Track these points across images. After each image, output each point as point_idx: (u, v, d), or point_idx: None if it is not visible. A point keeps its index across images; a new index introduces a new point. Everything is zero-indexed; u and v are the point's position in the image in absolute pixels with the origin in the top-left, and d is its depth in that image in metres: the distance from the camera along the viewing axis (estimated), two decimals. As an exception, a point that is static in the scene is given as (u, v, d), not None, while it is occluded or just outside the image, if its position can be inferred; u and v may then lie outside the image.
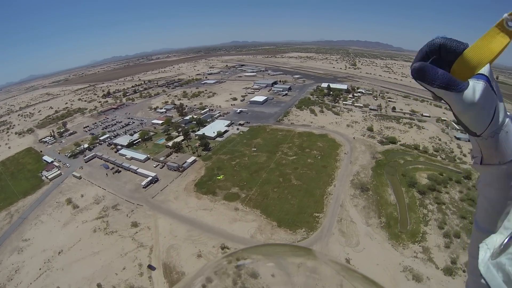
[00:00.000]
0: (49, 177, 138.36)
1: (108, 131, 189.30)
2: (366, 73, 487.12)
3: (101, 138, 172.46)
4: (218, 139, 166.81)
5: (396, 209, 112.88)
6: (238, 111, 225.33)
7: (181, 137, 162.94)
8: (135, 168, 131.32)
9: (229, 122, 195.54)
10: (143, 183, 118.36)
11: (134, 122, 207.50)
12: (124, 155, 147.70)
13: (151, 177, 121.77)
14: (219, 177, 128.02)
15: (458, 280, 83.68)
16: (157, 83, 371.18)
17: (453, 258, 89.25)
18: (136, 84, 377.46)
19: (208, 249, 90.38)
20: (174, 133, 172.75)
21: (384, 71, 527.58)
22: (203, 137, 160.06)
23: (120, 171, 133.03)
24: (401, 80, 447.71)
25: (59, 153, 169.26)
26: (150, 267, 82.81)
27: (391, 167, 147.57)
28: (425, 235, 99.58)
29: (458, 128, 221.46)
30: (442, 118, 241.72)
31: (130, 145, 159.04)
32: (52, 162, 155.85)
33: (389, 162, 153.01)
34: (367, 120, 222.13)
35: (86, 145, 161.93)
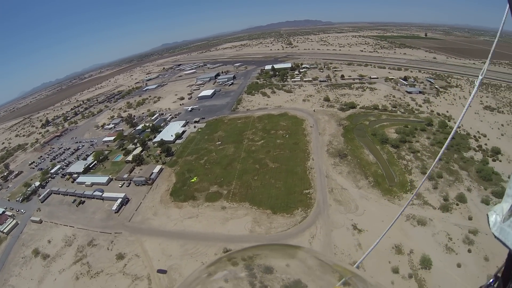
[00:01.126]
0: (4, 230, 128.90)
1: (58, 162, 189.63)
2: (304, 49, 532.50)
3: (52, 171, 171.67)
4: (178, 141, 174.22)
5: (378, 166, 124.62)
6: (189, 109, 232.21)
7: (139, 148, 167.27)
8: (99, 193, 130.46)
9: (184, 122, 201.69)
10: (114, 207, 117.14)
11: (83, 145, 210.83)
12: (83, 183, 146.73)
13: (120, 199, 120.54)
14: (192, 180, 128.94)
15: (455, 213, 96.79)
16: (97, 100, 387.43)
17: (444, 196, 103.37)
18: (75, 106, 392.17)
19: (210, 259, 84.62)
20: (131, 146, 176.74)
21: (321, 44, 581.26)
22: (162, 143, 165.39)
23: (84, 201, 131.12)
24: (340, 50, 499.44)
25: (8, 200, 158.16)
26: (161, 271, 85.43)
27: (359, 130, 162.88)
28: (413, 183, 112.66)
29: (406, 83, 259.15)
30: (389, 77, 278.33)
31: (86, 171, 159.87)
32: (3, 212, 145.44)
33: (355, 125, 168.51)
34: (320, 92, 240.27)
35: (37, 183, 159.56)
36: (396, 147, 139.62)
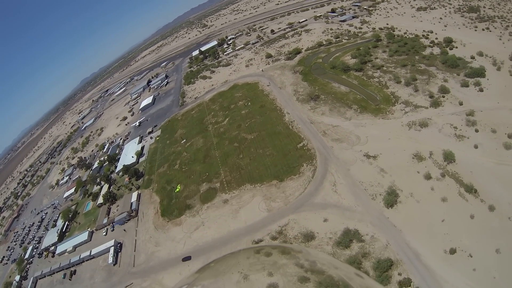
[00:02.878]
0: None
1: (28, 243, 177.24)
2: (221, 24, 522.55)
3: (27, 256, 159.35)
4: (141, 159, 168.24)
5: (355, 93, 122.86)
6: (137, 124, 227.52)
7: (106, 186, 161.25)
8: (87, 253, 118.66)
9: (138, 138, 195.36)
10: (110, 260, 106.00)
11: (46, 213, 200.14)
12: (64, 252, 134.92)
13: (112, 247, 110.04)
14: (177, 190, 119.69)
15: (446, 104, 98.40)
16: (40, 161, 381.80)
17: (429, 94, 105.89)
18: (20, 179, 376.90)
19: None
20: (96, 188, 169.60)
21: (235, 14, 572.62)
22: (126, 168, 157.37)
23: (75, 270, 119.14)
24: (256, 11, 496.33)
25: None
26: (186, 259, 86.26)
27: (317, 69, 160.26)
28: (395, 94, 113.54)
29: (336, 14, 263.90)
30: (317, 15, 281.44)
31: (62, 237, 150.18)
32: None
33: (311, 67, 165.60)
34: (258, 53, 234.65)
35: (17, 277, 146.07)
36: (360, 70, 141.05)
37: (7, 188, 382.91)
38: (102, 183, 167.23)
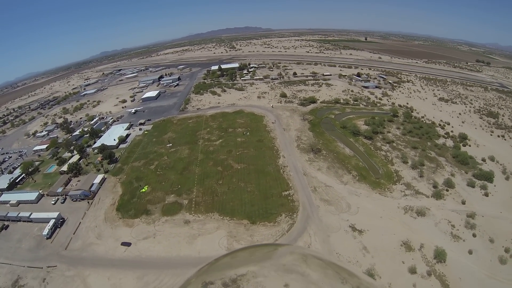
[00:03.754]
0: None
1: None
2: (249, 51, 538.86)
3: None
4: (122, 145, 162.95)
5: (358, 159, 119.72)
6: (133, 111, 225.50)
7: (77, 156, 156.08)
8: (27, 214, 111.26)
9: (128, 124, 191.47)
10: (45, 231, 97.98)
11: (10, 157, 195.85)
12: (7, 202, 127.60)
13: (53, 220, 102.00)
14: (143, 190, 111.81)
15: (448, 199, 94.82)
16: (29, 107, 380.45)
17: (433, 183, 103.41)
18: (3, 115, 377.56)
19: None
20: (66, 155, 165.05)
21: (265, 47, 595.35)
22: (103, 148, 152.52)
23: (8, 226, 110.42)
24: (285, 51, 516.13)
25: None
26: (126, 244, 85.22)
27: (326, 124, 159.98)
28: (398, 173, 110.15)
29: (361, 79, 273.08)
30: (343, 74, 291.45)
31: (12, 186, 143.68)
32: None
33: (321, 119, 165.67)
34: (274, 89, 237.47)
35: None
36: (369, 138, 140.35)
37: None
38: (75, 152, 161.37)
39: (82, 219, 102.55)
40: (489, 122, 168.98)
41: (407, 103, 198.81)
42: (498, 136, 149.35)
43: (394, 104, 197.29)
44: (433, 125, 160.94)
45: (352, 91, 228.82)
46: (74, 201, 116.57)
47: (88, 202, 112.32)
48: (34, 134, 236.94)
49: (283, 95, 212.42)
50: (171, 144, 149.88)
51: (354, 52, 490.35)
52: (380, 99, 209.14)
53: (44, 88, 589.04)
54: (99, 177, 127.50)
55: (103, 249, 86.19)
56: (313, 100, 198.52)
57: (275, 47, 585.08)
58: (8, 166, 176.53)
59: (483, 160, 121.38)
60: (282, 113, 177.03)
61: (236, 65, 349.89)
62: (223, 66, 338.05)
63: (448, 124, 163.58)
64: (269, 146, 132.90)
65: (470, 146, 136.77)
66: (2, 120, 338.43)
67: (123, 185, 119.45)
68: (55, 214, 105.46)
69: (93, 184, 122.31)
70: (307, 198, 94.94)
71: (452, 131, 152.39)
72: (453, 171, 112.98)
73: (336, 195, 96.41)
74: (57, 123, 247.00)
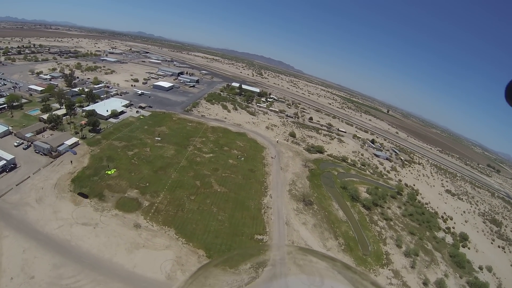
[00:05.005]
0: None
1: None
2: (274, 83, 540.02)
3: None
4: (112, 120, 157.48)
5: (349, 227, 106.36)
6: (139, 92, 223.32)
7: (63, 111, 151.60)
8: None
9: (127, 102, 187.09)
10: None
11: (5, 84, 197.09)
12: None
13: (4, 161, 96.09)
14: (109, 172, 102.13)
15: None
16: (48, 50, 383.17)
17: (424, 280, 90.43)
18: (23, 46, 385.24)
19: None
20: (55, 105, 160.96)
21: (291, 85, 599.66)
22: (91, 113, 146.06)
23: None
24: (309, 96, 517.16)
25: None
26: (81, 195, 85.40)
27: (327, 178, 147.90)
28: (389, 256, 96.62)
29: (374, 146, 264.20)
30: (357, 136, 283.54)
31: None
32: None
33: (323, 172, 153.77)
34: (286, 126, 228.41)
35: None
36: (368, 208, 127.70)
37: (9, 43, 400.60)
38: (64, 106, 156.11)
39: (33, 174, 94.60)
40: (491, 229, 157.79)
41: (414, 185, 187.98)
42: (499, 247, 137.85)
43: (401, 181, 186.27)
44: (436, 215, 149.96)
45: (362, 154, 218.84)
46: (36, 152, 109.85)
47: (51, 159, 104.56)
48: (38, 73, 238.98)
49: (292, 135, 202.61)
50: (159, 139, 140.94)
51: (374, 119, 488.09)
52: (388, 172, 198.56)
53: (72, 39, 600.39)
54: (72, 140, 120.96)
55: (36, 216, 76.04)
56: (320, 150, 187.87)
57: (300, 88, 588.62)
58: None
59: (480, 268, 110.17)
60: (285, 151, 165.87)
61: (257, 90, 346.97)
62: (244, 86, 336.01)
63: (451, 219, 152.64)
64: (259, 180, 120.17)
65: (469, 249, 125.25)
66: (18, 49, 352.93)
67: (91, 158, 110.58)
68: (9, 156, 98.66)
69: (63, 143, 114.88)
70: (280, 253, 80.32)
71: (453, 228, 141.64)
72: (447, 271, 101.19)
73: (313, 263, 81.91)
74: (64, 73, 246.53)
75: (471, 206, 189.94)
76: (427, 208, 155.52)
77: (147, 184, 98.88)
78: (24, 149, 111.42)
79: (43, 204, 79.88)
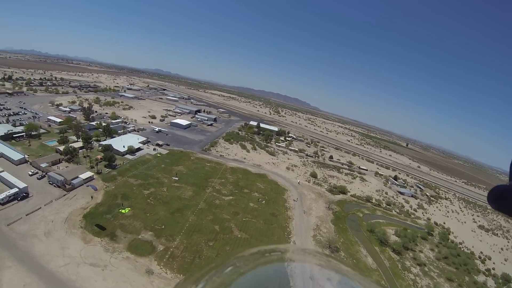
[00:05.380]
0: None
1: None
2: (292, 121, 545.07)
3: None
4: (129, 156, 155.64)
5: (381, 276, 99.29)
6: (156, 129, 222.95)
7: (80, 143, 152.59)
8: None
9: (144, 139, 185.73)
10: (1, 195, 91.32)
11: (25, 114, 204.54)
12: None
13: (17, 189, 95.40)
14: (123, 210, 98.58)
15: None
16: (69, 83, 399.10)
17: None
18: (45, 78, 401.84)
19: None
20: (72, 138, 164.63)
21: (308, 123, 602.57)
22: (108, 148, 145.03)
23: None
24: (327, 133, 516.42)
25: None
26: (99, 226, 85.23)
27: (352, 221, 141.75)
28: None
29: (397, 183, 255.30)
30: (379, 173, 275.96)
31: (7, 138, 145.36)
32: None
33: (347, 214, 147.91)
34: (306, 166, 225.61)
35: None
36: (398, 253, 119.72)
37: (32, 75, 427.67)
38: (81, 139, 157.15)
39: (44, 205, 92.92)
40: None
41: (444, 223, 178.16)
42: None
43: (430, 220, 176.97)
44: (472, 256, 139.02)
45: (386, 193, 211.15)
46: (50, 183, 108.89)
47: (64, 191, 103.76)
48: (58, 105, 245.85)
49: (314, 175, 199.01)
50: (177, 178, 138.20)
51: (394, 154, 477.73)
52: (415, 210, 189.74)
53: (92, 74, 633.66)
54: (87, 174, 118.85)
55: (42, 250, 73.50)
56: (343, 191, 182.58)
57: (318, 126, 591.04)
58: (17, 120, 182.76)
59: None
60: (307, 193, 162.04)
61: (275, 128, 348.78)
62: (261, 125, 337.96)
63: (489, 258, 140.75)
64: (282, 225, 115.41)
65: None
66: (40, 81, 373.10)
67: (106, 195, 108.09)
68: (22, 185, 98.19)
69: (77, 177, 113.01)
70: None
71: (493, 269, 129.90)
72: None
73: None
74: (83, 106, 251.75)
75: (509, 242, 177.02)
76: (462, 248, 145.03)
77: (163, 227, 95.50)
78: (38, 179, 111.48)
79: (51, 238, 78.03)
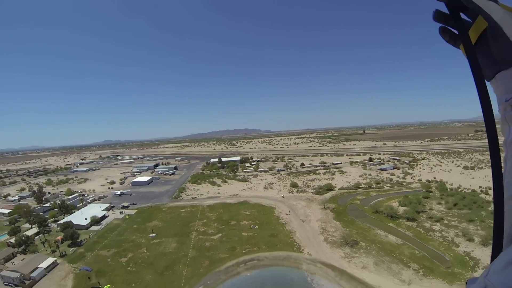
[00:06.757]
0: None
1: None
2: (250, 148, 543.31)
3: None
4: (94, 228, 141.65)
5: (410, 247, 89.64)
6: (118, 193, 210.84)
7: (35, 230, 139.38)
8: None
9: (107, 205, 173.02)
10: None
11: None
12: None
13: None
14: None
15: None
16: (16, 172, 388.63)
17: None
18: None
19: None
20: (26, 226, 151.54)
21: (266, 145, 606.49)
22: (68, 225, 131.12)
23: None
24: (287, 147, 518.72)
25: None
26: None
27: (354, 210, 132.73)
28: (470, 255, 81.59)
29: (374, 163, 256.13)
30: (353, 161, 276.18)
31: None
32: None
33: (346, 206, 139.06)
34: (282, 180, 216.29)
35: None
36: (413, 220, 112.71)
37: None
38: (35, 225, 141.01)
39: None
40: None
41: (434, 177, 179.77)
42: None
43: (421, 180, 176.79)
44: (475, 193, 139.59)
45: (370, 175, 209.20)
46: (5, 284, 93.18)
47: None
48: (5, 196, 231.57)
49: (294, 185, 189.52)
50: (154, 234, 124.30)
51: (357, 143, 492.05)
52: (404, 178, 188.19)
53: (40, 159, 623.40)
54: (48, 261, 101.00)
55: None
56: (330, 188, 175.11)
57: (276, 144, 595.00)
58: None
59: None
60: (297, 203, 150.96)
61: (237, 158, 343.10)
62: (223, 159, 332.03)
63: (490, 188, 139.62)
64: (286, 241, 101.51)
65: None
66: None
67: (76, 278, 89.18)
68: None
69: (37, 268, 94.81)
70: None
71: None
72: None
73: None
74: (33, 190, 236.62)
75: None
76: (463, 191, 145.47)
77: None
78: None
79: None
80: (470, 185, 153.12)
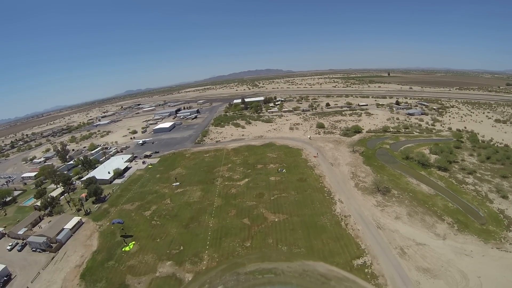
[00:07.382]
0: None
1: None
2: (272, 88, 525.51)
3: None
4: (117, 181, 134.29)
5: (444, 199, 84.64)
6: (140, 142, 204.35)
7: (60, 190, 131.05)
8: None
9: (130, 156, 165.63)
10: None
11: None
12: None
13: None
14: (127, 248, 76.60)
15: None
16: (41, 134, 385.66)
17: None
18: (16, 140, 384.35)
19: None
20: (52, 186, 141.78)
21: (288, 85, 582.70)
22: (91, 181, 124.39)
23: None
24: (311, 87, 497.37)
25: None
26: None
27: (383, 155, 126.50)
28: (505, 213, 76.02)
29: (402, 107, 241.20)
30: (380, 103, 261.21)
31: None
32: None
33: (375, 150, 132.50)
34: (308, 120, 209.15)
35: None
36: (445, 170, 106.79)
37: (3, 142, 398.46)
38: (59, 184, 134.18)
39: (31, 283, 69.38)
40: None
41: (465, 127, 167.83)
42: None
43: (451, 129, 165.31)
44: (508, 148, 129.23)
45: (397, 118, 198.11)
46: (33, 250, 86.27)
47: (51, 254, 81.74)
48: (31, 160, 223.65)
49: (321, 126, 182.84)
50: (178, 183, 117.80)
51: (383, 85, 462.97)
52: (433, 125, 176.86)
53: (64, 118, 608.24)
54: (74, 221, 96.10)
55: None
56: (357, 130, 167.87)
57: (299, 84, 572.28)
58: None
59: None
60: (324, 145, 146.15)
61: (261, 98, 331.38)
62: (246, 100, 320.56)
63: None
64: (316, 187, 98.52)
65: None
66: (11, 144, 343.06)
67: (101, 236, 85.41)
68: (0, 266, 75.06)
69: (62, 229, 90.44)
70: (396, 268, 59.36)
71: None
72: None
73: (437, 258, 60.54)
74: (56, 150, 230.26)
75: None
76: (495, 145, 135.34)
77: (181, 248, 73.39)
78: (19, 250, 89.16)
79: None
80: (503, 140, 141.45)
